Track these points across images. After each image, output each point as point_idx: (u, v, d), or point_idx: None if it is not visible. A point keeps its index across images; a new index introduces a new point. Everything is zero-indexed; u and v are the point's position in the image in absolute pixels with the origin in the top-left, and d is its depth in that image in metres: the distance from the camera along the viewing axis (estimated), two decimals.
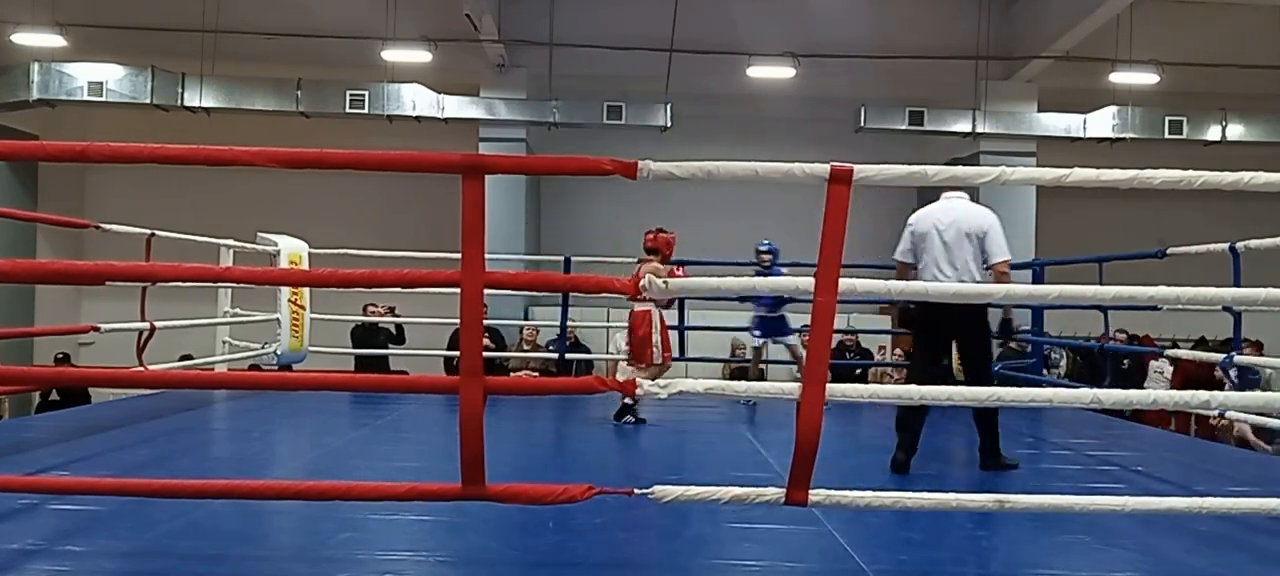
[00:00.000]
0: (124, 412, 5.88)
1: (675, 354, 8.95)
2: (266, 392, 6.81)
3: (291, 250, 7.60)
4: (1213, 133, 11.19)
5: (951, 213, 4.51)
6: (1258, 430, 6.43)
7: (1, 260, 3.21)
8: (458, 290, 2.56)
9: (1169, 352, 6.95)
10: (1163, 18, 10.75)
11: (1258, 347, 7.42)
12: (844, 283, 2.59)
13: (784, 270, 7.29)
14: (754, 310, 7.38)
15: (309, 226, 8.79)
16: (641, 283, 2.64)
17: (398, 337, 9.25)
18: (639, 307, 5.99)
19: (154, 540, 3.00)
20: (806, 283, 2.60)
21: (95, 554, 2.88)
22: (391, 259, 7.38)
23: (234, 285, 6.67)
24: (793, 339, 7.31)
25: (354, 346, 8.85)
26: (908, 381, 4.87)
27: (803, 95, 11.85)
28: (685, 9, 10.57)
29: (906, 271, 4.52)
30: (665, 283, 2.67)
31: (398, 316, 9.35)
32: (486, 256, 2.59)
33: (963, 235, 4.41)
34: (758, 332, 7.33)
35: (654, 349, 6.02)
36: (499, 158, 2.76)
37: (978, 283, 4.35)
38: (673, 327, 8.84)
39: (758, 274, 6.99)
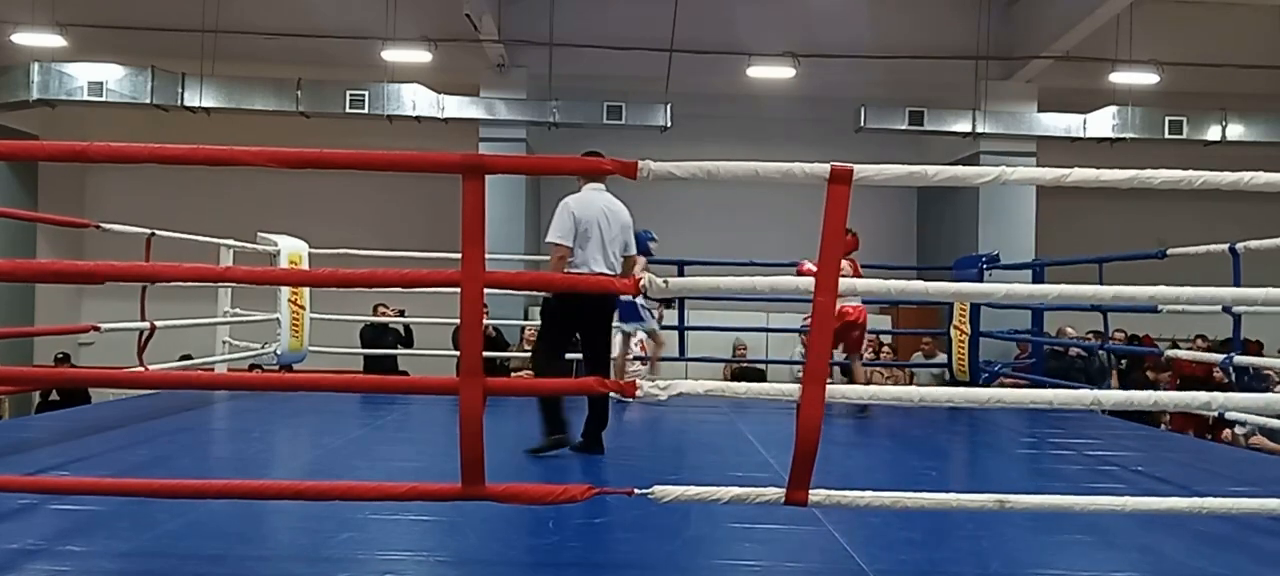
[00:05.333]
0: (124, 412, 5.88)
1: (676, 354, 9.03)
2: (266, 392, 6.80)
3: (291, 250, 7.60)
4: (1213, 133, 11.18)
5: (608, 202, 4.73)
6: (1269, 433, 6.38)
7: (1, 260, 3.22)
8: (458, 290, 2.56)
9: (1169, 353, 6.96)
10: (1163, 18, 10.74)
11: (1258, 348, 7.42)
12: (844, 282, 2.59)
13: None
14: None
15: (309, 226, 8.79)
16: (642, 283, 2.64)
17: (406, 339, 9.28)
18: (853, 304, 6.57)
19: (154, 540, 3.00)
20: (807, 282, 2.61)
21: (95, 554, 2.88)
22: (392, 259, 7.39)
23: (234, 285, 6.68)
24: (649, 325, 7.33)
25: (363, 346, 8.88)
26: (534, 370, 5.00)
27: (803, 95, 11.84)
28: (685, 9, 10.57)
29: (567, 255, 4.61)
30: (665, 282, 2.67)
31: (406, 317, 9.39)
32: (486, 256, 2.59)
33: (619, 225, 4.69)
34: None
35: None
36: (499, 158, 2.76)
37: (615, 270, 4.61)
38: (672, 328, 8.91)
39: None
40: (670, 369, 9.43)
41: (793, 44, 10.91)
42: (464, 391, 2.56)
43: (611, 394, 3.48)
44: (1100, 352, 7.79)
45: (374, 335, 9.02)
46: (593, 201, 4.68)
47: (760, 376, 10.30)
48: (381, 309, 9.35)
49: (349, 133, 11.47)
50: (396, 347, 9.09)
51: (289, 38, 10.82)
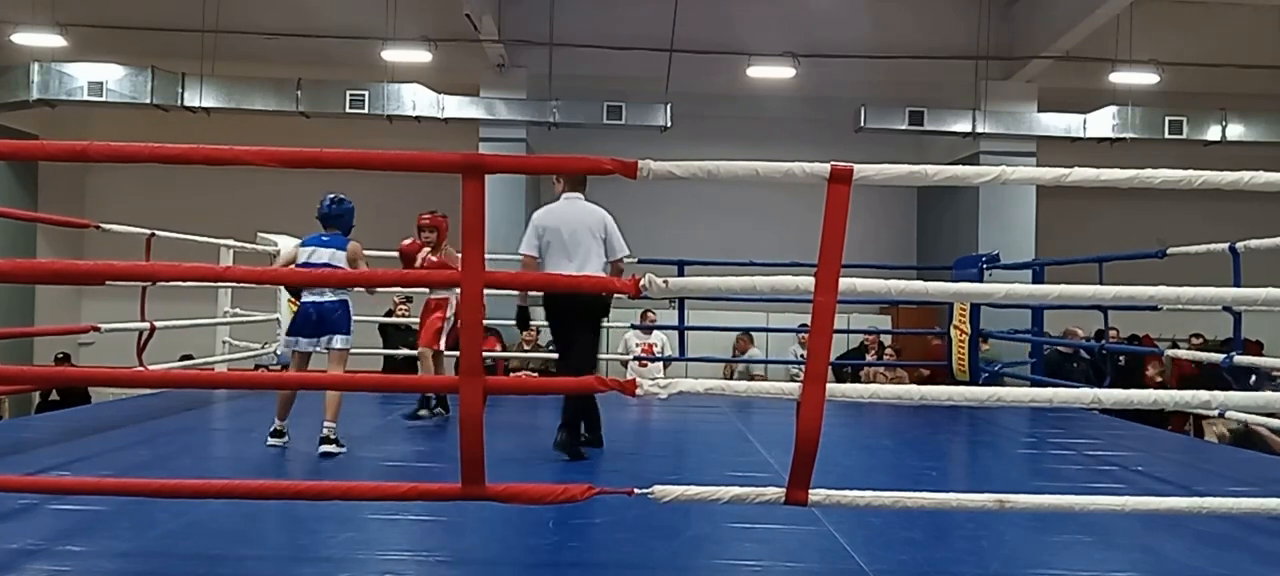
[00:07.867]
0: (124, 412, 5.88)
1: (678, 354, 9.02)
2: (266, 392, 6.80)
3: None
4: (1213, 133, 11.18)
5: (573, 211, 4.81)
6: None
7: (1, 260, 3.21)
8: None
9: (1169, 353, 6.95)
10: (1163, 18, 10.74)
11: (1258, 348, 7.40)
12: (844, 282, 2.59)
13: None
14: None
15: (309, 226, 8.79)
16: (642, 283, 2.64)
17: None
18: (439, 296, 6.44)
19: (154, 540, 3.00)
20: (807, 282, 2.60)
21: (95, 554, 2.88)
22: (392, 259, 7.38)
23: (234, 285, 6.67)
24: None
25: (384, 345, 8.91)
26: (560, 373, 5.22)
27: (803, 95, 11.84)
28: (685, 9, 10.57)
29: (531, 264, 4.82)
30: (665, 282, 2.67)
31: (408, 316, 9.39)
32: (486, 256, 2.59)
33: (585, 230, 4.73)
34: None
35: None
36: (499, 157, 2.76)
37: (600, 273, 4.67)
38: (673, 328, 8.91)
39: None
40: (670, 368, 9.44)
41: (793, 44, 10.91)
42: (464, 391, 2.56)
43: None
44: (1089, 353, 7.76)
45: (390, 333, 9.09)
46: (557, 210, 4.80)
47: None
48: (400, 306, 9.39)
49: (349, 133, 11.46)
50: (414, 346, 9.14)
51: (289, 38, 10.81)
